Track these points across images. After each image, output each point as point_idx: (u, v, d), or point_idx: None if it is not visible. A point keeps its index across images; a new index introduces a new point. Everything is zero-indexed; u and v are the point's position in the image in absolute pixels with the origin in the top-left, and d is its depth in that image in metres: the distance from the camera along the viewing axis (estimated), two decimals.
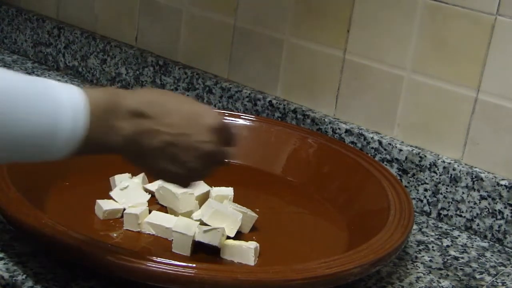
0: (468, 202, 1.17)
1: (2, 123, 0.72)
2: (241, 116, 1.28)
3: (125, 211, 1.02)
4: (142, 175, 1.11)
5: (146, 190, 1.09)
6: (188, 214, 1.03)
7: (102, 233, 1.01)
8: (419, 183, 1.21)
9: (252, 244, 0.96)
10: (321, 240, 1.07)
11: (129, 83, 1.51)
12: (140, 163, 0.86)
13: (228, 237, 0.99)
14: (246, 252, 0.96)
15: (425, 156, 1.20)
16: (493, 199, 1.15)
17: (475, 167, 1.17)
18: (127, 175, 1.11)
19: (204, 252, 0.97)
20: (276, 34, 1.35)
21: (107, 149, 0.82)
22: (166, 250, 0.97)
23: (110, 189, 1.09)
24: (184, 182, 0.89)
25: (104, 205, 1.04)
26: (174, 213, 1.04)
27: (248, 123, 1.27)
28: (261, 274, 0.89)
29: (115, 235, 1.01)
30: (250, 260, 0.96)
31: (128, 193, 1.07)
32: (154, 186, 1.09)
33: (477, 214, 1.17)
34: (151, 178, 1.10)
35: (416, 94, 1.22)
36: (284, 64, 1.36)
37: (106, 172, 1.11)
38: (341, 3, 1.26)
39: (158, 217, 1.02)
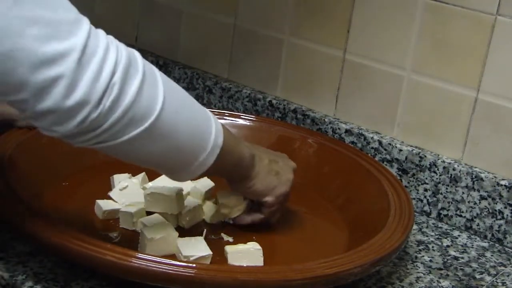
0: (468, 202, 1.17)
1: (178, 122, 0.85)
2: (241, 116, 1.28)
3: (120, 210, 1.02)
4: (142, 175, 1.11)
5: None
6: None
7: (102, 233, 1.01)
8: (419, 183, 1.21)
9: (257, 245, 0.97)
10: (321, 240, 1.07)
11: None
12: (251, 179, 1.01)
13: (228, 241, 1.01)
14: (254, 253, 0.96)
15: (425, 156, 1.20)
16: (493, 199, 1.15)
17: (475, 167, 1.17)
18: (126, 175, 1.11)
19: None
20: (276, 34, 1.35)
21: (237, 158, 0.96)
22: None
23: (110, 189, 1.09)
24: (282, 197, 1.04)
25: (104, 205, 1.04)
26: (166, 216, 1.03)
27: (248, 123, 1.27)
28: (261, 274, 0.89)
29: (114, 235, 1.01)
30: (260, 261, 0.96)
31: (127, 193, 1.07)
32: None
33: (477, 214, 1.17)
34: (151, 177, 1.11)
35: (416, 94, 1.22)
36: (284, 64, 1.36)
37: (105, 172, 1.11)
38: (341, 3, 1.26)
39: (153, 218, 1.01)
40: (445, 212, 1.20)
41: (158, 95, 0.81)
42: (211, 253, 0.94)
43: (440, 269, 1.06)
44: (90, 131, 0.78)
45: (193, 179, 0.96)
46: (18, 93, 0.74)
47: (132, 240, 0.99)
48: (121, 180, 1.10)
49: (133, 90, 0.78)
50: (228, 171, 0.98)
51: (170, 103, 0.82)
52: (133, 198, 1.06)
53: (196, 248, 0.95)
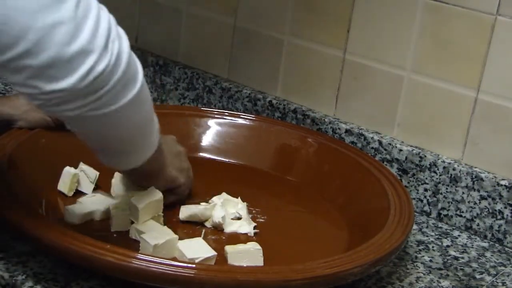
0: (468, 202, 1.17)
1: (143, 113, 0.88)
2: (241, 116, 1.28)
3: (112, 212, 1.00)
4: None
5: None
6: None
7: (100, 233, 1.01)
8: (419, 183, 1.21)
9: (257, 245, 0.97)
10: (321, 240, 1.07)
11: None
12: (166, 166, 1.02)
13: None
14: (254, 253, 0.95)
15: (425, 156, 1.20)
16: (493, 199, 1.15)
17: (475, 167, 1.17)
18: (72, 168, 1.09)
19: None
20: (276, 34, 1.35)
21: (160, 144, 0.97)
22: None
23: (105, 189, 1.08)
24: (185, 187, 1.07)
25: (77, 209, 1.02)
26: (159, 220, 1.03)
27: (248, 123, 1.27)
28: (261, 274, 0.89)
29: (114, 235, 1.00)
30: (260, 261, 0.95)
31: (98, 198, 1.05)
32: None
33: (477, 214, 1.17)
34: None
35: (416, 94, 1.22)
36: (284, 64, 1.36)
37: (104, 172, 1.10)
38: (341, 3, 1.26)
39: (148, 224, 1.00)
40: (445, 212, 1.20)
41: (136, 59, 0.83)
42: (215, 253, 0.94)
43: (440, 269, 1.06)
44: (91, 93, 0.78)
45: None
46: (19, 42, 0.73)
47: (127, 242, 0.98)
48: (70, 171, 1.07)
49: (127, 49, 0.80)
50: (156, 161, 0.98)
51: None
52: (109, 200, 1.04)
53: (200, 250, 0.95)
